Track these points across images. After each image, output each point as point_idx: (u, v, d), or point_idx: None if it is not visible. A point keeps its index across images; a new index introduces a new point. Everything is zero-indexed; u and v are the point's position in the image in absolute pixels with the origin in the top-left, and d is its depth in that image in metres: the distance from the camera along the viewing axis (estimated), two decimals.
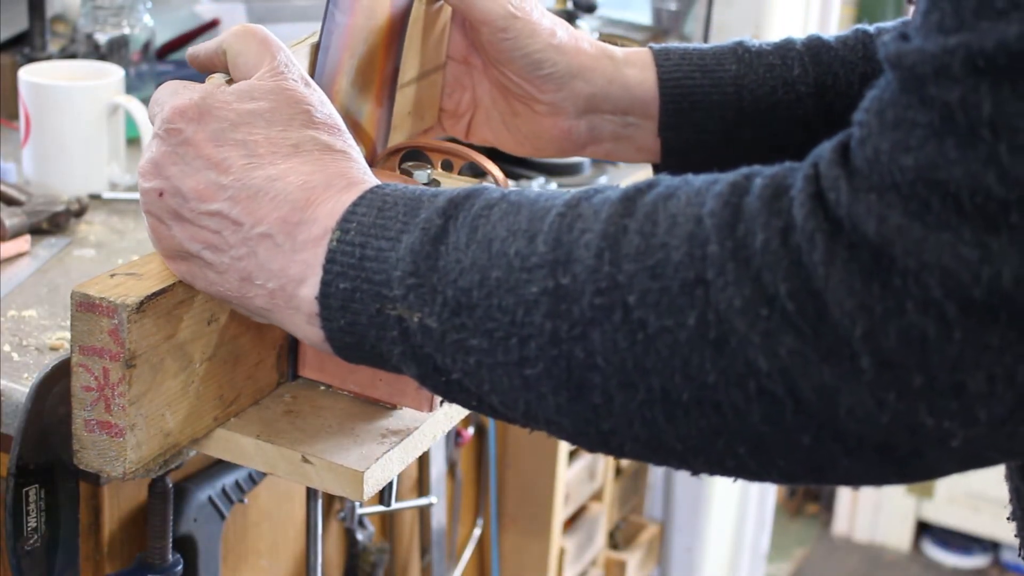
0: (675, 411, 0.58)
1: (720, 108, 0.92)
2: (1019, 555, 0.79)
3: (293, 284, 0.69)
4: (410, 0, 0.88)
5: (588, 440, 0.63)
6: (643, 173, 1.61)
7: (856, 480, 0.58)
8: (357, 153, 0.73)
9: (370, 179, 0.71)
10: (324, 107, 0.74)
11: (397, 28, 0.88)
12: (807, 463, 0.57)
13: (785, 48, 0.94)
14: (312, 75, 0.81)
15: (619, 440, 0.61)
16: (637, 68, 0.92)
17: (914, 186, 0.51)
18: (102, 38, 1.57)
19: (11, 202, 1.28)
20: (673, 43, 0.95)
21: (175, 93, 0.75)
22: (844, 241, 0.53)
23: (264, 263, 0.70)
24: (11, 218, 1.24)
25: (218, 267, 0.72)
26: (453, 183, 0.89)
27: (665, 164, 0.95)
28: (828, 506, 3.19)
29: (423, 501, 1.45)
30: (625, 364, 0.58)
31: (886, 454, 0.55)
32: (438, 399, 0.85)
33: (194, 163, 0.72)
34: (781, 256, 0.54)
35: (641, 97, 0.92)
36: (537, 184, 1.53)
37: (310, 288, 0.69)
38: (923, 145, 0.51)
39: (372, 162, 0.90)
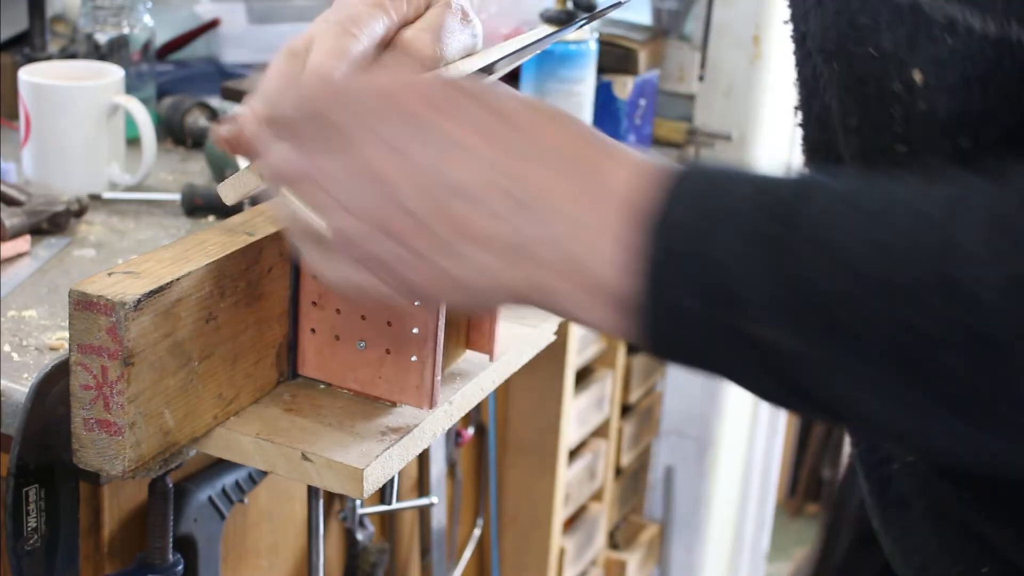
0: None
1: None
2: None
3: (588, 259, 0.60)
4: None
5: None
6: None
7: None
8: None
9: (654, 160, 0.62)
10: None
11: None
12: None
13: None
14: None
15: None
16: None
17: None
18: (102, 38, 1.57)
19: (11, 202, 1.28)
20: None
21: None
22: None
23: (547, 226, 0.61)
24: (11, 218, 1.24)
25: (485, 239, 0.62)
26: None
27: None
28: (828, 506, 3.19)
29: (423, 501, 1.45)
30: None
31: None
32: (438, 396, 0.85)
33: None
34: None
35: None
36: None
37: (614, 270, 0.60)
38: None
39: None
